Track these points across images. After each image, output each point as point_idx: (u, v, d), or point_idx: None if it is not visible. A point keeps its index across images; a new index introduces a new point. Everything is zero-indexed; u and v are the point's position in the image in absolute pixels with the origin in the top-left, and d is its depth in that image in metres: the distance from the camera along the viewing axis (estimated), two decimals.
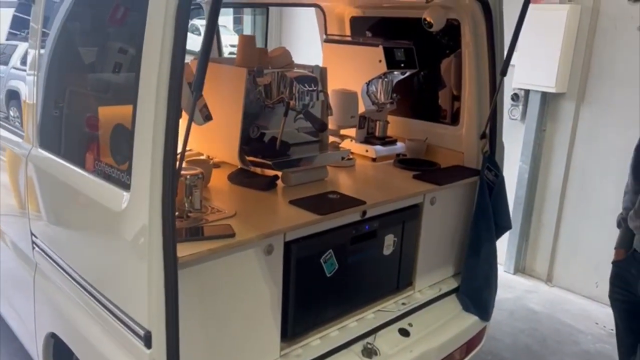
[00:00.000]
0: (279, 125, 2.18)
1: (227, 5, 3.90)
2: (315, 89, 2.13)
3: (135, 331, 1.53)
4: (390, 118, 2.88)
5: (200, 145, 2.40)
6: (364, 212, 2.06)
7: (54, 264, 1.95)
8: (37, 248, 2.09)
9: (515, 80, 3.97)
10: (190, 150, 2.45)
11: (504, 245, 4.27)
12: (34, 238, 2.10)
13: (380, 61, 2.54)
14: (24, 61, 2.17)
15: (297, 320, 1.92)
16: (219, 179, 2.18)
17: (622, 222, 2.26)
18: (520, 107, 4.08)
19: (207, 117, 1.64)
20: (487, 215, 2.44)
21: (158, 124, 1.37)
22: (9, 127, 2.37)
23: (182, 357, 1.51)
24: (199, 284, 1.60)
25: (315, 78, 2.15)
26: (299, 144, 2.33)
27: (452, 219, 2.51)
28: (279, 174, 2.16)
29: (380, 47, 2.53)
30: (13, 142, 2.27)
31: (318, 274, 1.95)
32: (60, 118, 1.99)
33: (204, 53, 1.31)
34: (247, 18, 6.80)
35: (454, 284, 2.57)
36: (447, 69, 2.85)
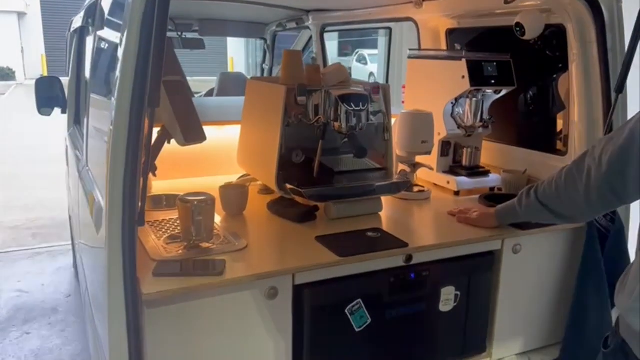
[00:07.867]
0: (333, 151, 1.95)
1: (330, 30, 3.76)
2: (363, 108, 1.83)
3: None
4: (486, 145, 2.43)
5: (253, 170, 2.24)
6: (410, 257, 1.69)
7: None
8: None
9: None
10: (248, 175, 2.31)
11: None
12: None
13: (463, 77, 2.14)
14: None
15: None
16: (263, 207, 2.00)
17: None
18: None
19: (192, 137, 1.44)
20: (598, 272, 1.88)
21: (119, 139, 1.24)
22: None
23: None
24: (177, 327, 1.41)
25: (366, 96, 1.86)
26: (353, 171, 2.04)
27: (548, 274, 1.98)
28: (320, 205, 1.89)
29: (463, 60, 2.13)
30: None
31: (343, 327, 1.63)
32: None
33: (156, 67, 1.16)
34: (382, 40, 6.70)
35: (551, 355, 2.02)
36: (563, 87, 2.32)
